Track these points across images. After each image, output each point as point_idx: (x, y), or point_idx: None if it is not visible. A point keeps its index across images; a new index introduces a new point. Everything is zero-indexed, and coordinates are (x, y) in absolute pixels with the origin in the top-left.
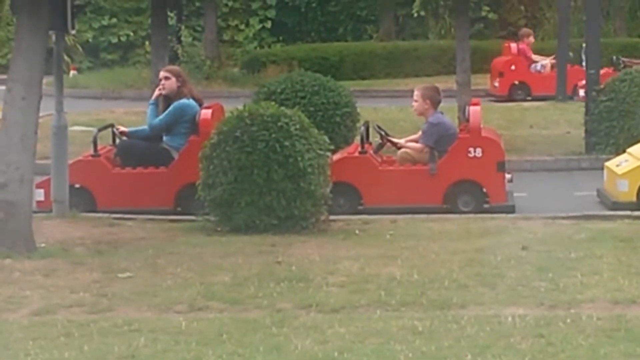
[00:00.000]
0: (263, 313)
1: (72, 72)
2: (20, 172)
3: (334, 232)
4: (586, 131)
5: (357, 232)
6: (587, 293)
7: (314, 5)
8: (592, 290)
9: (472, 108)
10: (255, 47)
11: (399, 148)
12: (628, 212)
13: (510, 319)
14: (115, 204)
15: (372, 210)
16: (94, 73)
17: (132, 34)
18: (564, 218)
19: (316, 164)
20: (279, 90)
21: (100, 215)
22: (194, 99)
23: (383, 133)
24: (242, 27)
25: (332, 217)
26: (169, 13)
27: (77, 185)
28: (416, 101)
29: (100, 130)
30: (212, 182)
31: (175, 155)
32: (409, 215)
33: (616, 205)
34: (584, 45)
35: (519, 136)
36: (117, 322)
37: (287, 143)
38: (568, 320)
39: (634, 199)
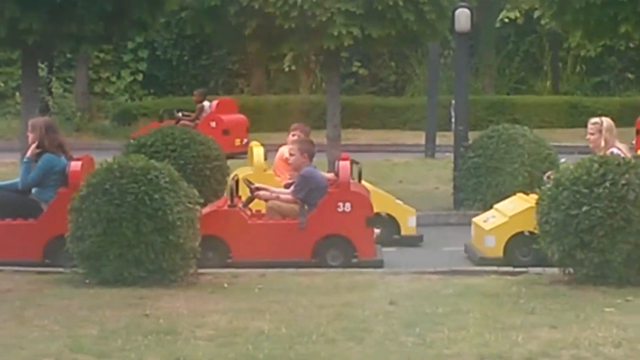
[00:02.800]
0: None
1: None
2: None
3: (202, 285)
4: (455, 187)
5: (225, 285)
6: (454, 348)
7: (185, 58)
8: (459, 345)
9: (341, 163)
10: (127, 100)
11: (266, 200)
12: (495, 268)
13: None
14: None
15: (240, 264)
16: None
17: (2, 84)
18: (432, 273)
19: (185, 217)
20: (149, 142)
21: None
22: (62, 151)
23: (253, 187)
24: (114, 79)
25: (200, 271)
26: (40, 64)
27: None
28: (292, 155)
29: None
30: (81, 235)
31: (44, 207)
32: (278, 270)
33: (483, 261)
34: (453, 102)
35: (389, 191)
36: None
37: (156, 196)
38: None
39: (501, 254)
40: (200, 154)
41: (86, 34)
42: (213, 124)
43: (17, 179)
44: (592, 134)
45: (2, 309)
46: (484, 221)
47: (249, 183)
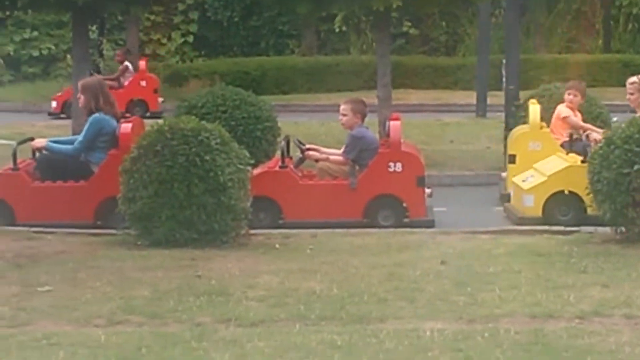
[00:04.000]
0: (182, 327)
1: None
2: None
3: (254, 246)
4: (506, 146)
5: (277, 246)
6: (505, 307)
7: (236, 19)
8: (510, 305)
9: (392, 123)
10: (177, 62)
11: (317, 161)
12: (546, 227)
13: (428, 333)
14: (34, 218)
15: (292, 225)
16: (15, 86)
17: (53, 47)
18: (482, 233)
19: (236, 178)
20: (200, 104)
21: (19, 228)
22: (114, 114)
23: (304, 147)
24: (164, 41)
25: (252, 232)
26: (90, 27)
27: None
28: (345, 115)
29: (19, 143)
30: (133, 196)
31: (95, 169)
32: (330, 230)
33: (522, 221)
34: (504, 61)
35: (440, 151)
36: (36, 336)
37: (207, 157)
38: (486, 335)
39: (540, 213)
40: (250, 115)
41: None
42: (143, 83)
43: (76, 137)
44: (631, 93)
45: (55, 270)
46: (523, 181)
47: (299, 143)
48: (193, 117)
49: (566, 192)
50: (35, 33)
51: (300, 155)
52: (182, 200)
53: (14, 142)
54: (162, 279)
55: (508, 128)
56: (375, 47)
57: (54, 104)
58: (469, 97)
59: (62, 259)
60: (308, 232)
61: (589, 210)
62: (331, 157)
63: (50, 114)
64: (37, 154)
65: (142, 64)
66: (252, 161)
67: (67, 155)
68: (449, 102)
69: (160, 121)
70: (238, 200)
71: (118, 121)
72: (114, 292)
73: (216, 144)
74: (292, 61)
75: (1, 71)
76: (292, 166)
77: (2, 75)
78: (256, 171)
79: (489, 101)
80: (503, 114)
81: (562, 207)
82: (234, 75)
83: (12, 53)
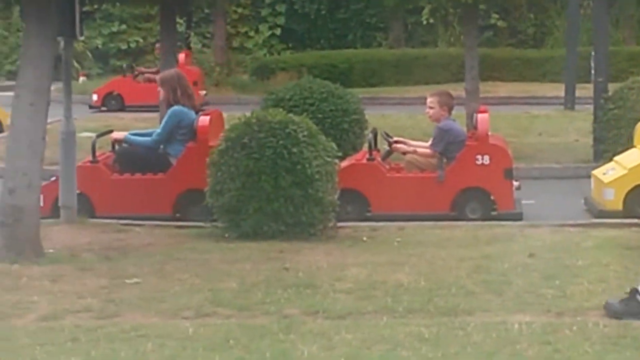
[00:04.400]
0: (270, 319)
1: (81, 78)
2: (28, 178)
3: (341, 239)
4: (594, 139)
5: (364, 239)
6: (594, 300)
7: (323, 12)
8: (599, 298)
9: (480, 115)
10: (265, 54)
11: (405, 154)
12: (636, 221)
13: (516, 326)
14: (113, 210)
15: (379, 217)
16: (103, 79)
17: (141, 40)
18: (571, 225)
19: (324, 171)
20: (287, 97)
21: (108, 221)
22: (192, 106)
23: (391, 140)
24: (252, 33)
25: (339, 224)
26: (178, 20)
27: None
28: (432, 108)
29: (99, 136)
30: (220, 189)
31: (174, 161)
32: (417, 223)
33: (602, 214)
34: (592, 53)
35: (528, 144)
36: (124, 327)
37: (295, 150)
38: (574, 328)
39: (620, 207)
40: (338, 107)
41: None
42: None
43: (154, 129)
44: None
45: (144, 263)
46: (604, 174)
47: (387, 136)
48: (280, 109)
49: None
50: (124, 26)
51: (388, 148)
52: (270, 192)
53: (93, 135)
54: (249, 272)
55: (597, 120)
56: (463, 40)
57: (95, 97)
58: (557, 90)
59: (150, 251)
60: (395, 225)
61: None
62: (419, 150)
63: (91, 107)
64: (117, 147)
65: (182, 57)
66: (340, 154)
67: (146, 147)
68: (537, 94)
69: (248, 114)
70: (325, 193)
71: (197, 113)
72: (202, 284)
73: (303, 136)
74: (379, 54)
75: (90, 64)
76: (379, 159)
77: (90, 69)
78: (343, 164)
79: (577, 93)
80: (591, 107)
81: None
82: (321, 68)
83: (100, 46)
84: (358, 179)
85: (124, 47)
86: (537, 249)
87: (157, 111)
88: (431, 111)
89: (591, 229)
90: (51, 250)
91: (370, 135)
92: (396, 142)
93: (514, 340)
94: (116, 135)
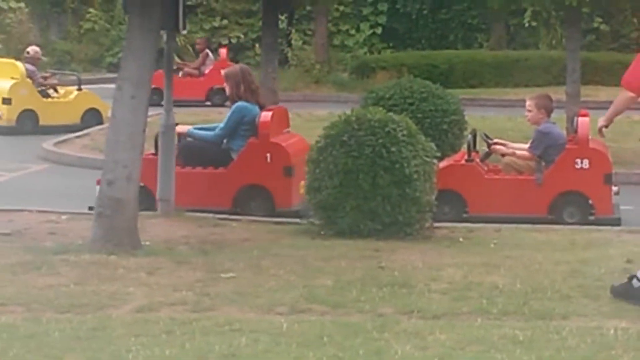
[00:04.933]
0: (364, 317)
1: (181, 73)
2: (128, 170)
3: (437, 239)
4: None
5: (461, 239)
6: None
7: (425, 12)
8: None
9: (580, 119)
10: (365, 53)
11: (503, 155)
12: None
13: (612, 331)
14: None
15: (476, 219)
16: None
17: (242, 36)
18: None
19: (422, 171)
20: (387, 95)
21: (205, 215)
22: (256, 101)
23: (490, 141)
24: (353, 32)
25: (436, 224)
26: (279, 16)
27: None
28: (530, 111)
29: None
30: (318, 186)
31: (235, 156)
32: (514, 225)
33: None
34: None
35: (628, 149)
36: (219, 321)
37: (393, 149)
38: None
39: None
40: (438, 108)
41: None
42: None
43: (218, 124)
44: None
45: (240, 258)
46: None
47: (486, 137)
48: (380, 108)
49: None
50: (225, 22)
51: (487, 150)
52: (367, 191)
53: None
54: (345, 269)
55: None
56: (564, 43)
57: None
58: None
59: (246, 246)
60: (492, 226)
61: None
62: (517, 152)
63: None
64: (181, 140)
65: (223, 52)
66: (439, 154)
67: (209, 141)
68: (638, 99)
69: (348, 111)
70: (423, 193)
71: (261, 109)
72: (297, 280)
73: (403, 135)
74: (480, 55)
75: (190, 59)
76: (478, 160)
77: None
78: (442, 164)
79: None
80: None
81: None
82: (421, 68)
83: None
84: (456, 180)
85: (224, 42)
86: (635, 254)
87: (199, 106)
88: (529, 114)
89: None
90: (148, 243)
91: (470, 137)
92: (495, 143)
93: (610, 345)
94: (180, 129)
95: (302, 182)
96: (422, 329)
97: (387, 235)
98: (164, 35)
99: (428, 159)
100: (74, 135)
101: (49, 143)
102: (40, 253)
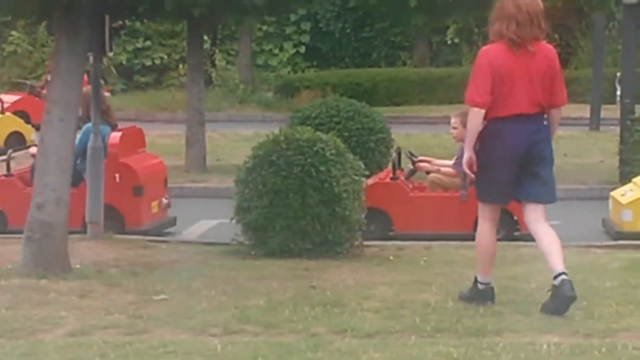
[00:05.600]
0: (298, 337)
1: (105, 94)
2: (57, 193)
3: (368, 258)
4: (620, 160)
5: (391, 257)
6: (623, 322)
7: (348, 31)
8: (628, 319)
9: None
10: (289, 72)
11: (428, 173)
12: None
13: (545, 346)
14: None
15: (402, 237)
16: (128, 95)
17: (166, 56)
18: (598, 247)
19: (351, 190)
20: (314, 115)
21: (134, 237)
22: (107, 122)
23: (415, 159)
24: (276, 51)
25: (365, 243)
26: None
27: None
28: (455, 128)
29: (15, 150)
30: (247, 206)
31: (85, 177)
32: (443, 242)
33: (620, 235)
34: (618, 74)
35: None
36: (152, 343)
37: (322, 168)
38: (603, 349)
39: (639, 228)
40: (364, 126)
41: (250, 6)
42: None
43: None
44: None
45: (170, 279)
46: (622, 195)
47: (411, 155)
48: (308, 127)
49: None
50: (148, 43)
51: (412, 167)
52: (297, 210)
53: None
54: (277, 289)
55: (623, 142)
56: None
57: None
58: (582, 110)
59: (177, 267)
60: (421, 244)
61: None
62: (442, 169)
63: None
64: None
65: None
66: (367, 172)
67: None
68: (562, 115)
69: (276, 131)
70: (352, 212)
71: (113, 129)
72: (229, 301)
73: (331, 154)
74: (404, 73)
75: (114, 80)
76: (402, 178)
77: (115, 85)
78: (369, 182)
79: (602, 114)
80: (616, 128)
81: None
82: (345, 86)
83: (124, 62)
84: (382, 198)
85: (148, 63)
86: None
87: None
88: (454, 131)
89: (618, 251)
90: (78, 266)
91: (394, 155)
92: (420, 161)
93: None
94: (34, 150)
95: (155, 202)
96: (356, 348)
97: (317, 255)
98: (90, 58)
99: (357, 178)
100: None
101: None
102: None
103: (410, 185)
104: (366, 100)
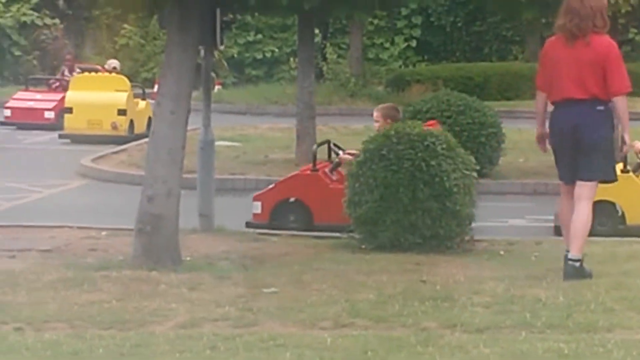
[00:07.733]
0: (408, 331)
1: (216, 87)
2: (167, 185)
3: (478, 252)
4: None
5: (501, 252)
6: None
7: (459, 24)
8: None
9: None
10: (400, 66)
11: None
12: None
13: None
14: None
15: (322, 228)
16: (239, 88)
17: (277, 50)
18: None
19: (462, 184)
20: (424, 109)
21: (244, 230)
22: None
23: (340, 151)
24: (387, 45)
25: (476, 237)
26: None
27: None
28: (377, 121)
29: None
30: (358, 200)
31: None
32: (554, 237)
33: None
34: None
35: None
36: (262, 336)
37: (433, 162)
38: None
39: None
40: (475, 121)
41: (361, 1)
42: None
43: None
44: None
45: (281, 272)
46: None
47: (335, 147)
48: (418, 121)
49: None
50: (260, 36)
51: (337, 159)
52: (407, 205)
53: (238, 144)
54: (386, 283)
55: None
56: None
57: (7, 112)
58: None
59: (287, 261)
60: (533, 239)
61: None
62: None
63: (2, 123)
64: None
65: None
66: (478, 167)
67: None
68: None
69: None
70: (463, 206)
71: None
72: (339, 295)
73: (442, 149)
74: (515, 67)
75: (225, 73)
76: (327, 170)
77: (226, 78)
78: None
79: None
80: None
81: None
82: (456, 80)
83: (236, 55)
84: (302, 190)
85: (259, 56)
86: None
87: None
88: (376, 125)
89: None
90: (189, 258)
91: (315, 147)
92: (349, 154)
93: None
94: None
95: None
96: (466, 343)
97: (427, 249)
98: (202, 51)
99: (467, 172)
100: (110, 151)
101: (86, 159)
102: (81, 269)
103: (335, 178)
104: (477, 94)
